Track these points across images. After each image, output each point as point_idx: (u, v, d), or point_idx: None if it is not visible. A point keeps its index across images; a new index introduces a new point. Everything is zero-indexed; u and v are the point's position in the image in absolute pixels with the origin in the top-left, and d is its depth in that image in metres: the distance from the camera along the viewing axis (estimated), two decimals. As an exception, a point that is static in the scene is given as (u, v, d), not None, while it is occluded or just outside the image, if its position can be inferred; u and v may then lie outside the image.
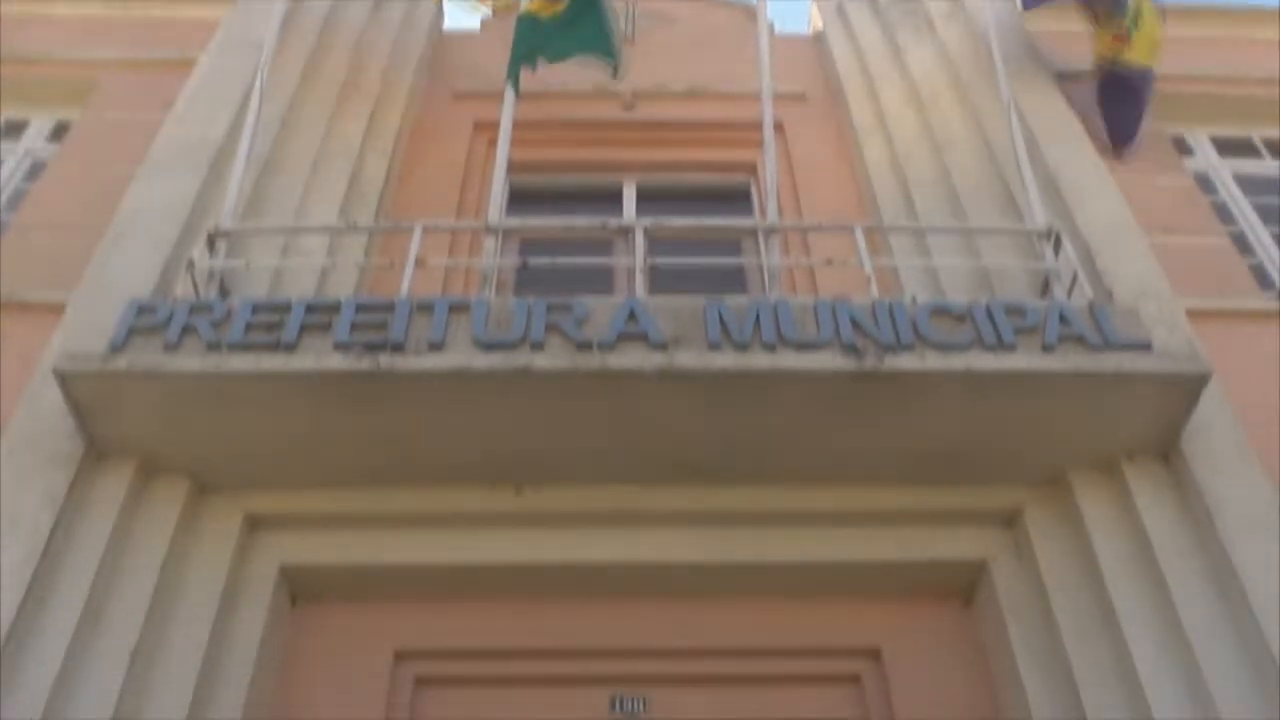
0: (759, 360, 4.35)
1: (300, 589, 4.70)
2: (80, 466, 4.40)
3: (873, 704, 4.56)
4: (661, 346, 4.37)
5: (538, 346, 4.37)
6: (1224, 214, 6.36)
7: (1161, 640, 4.15)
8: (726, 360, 4.34)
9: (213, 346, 4.36)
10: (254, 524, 4.65)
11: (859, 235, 5.14)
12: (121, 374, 4.30)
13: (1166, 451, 4.56)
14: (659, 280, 5.22)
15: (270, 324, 4.44)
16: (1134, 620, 4.20)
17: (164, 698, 4.09)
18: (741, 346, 4.39)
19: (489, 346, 4.36)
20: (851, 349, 4.36)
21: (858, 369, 4.32)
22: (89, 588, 4.16)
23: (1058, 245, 5.07)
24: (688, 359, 4.34)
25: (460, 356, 4.33)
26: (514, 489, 4.69)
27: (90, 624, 4.13)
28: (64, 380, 4.32)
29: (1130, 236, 5.33)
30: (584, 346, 4.37)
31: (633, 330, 4.43)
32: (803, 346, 4.39)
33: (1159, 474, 4.54)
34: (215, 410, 4.40)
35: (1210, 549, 4.26)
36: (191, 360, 4.32)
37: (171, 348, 4.35)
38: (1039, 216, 5.21)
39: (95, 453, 4.48)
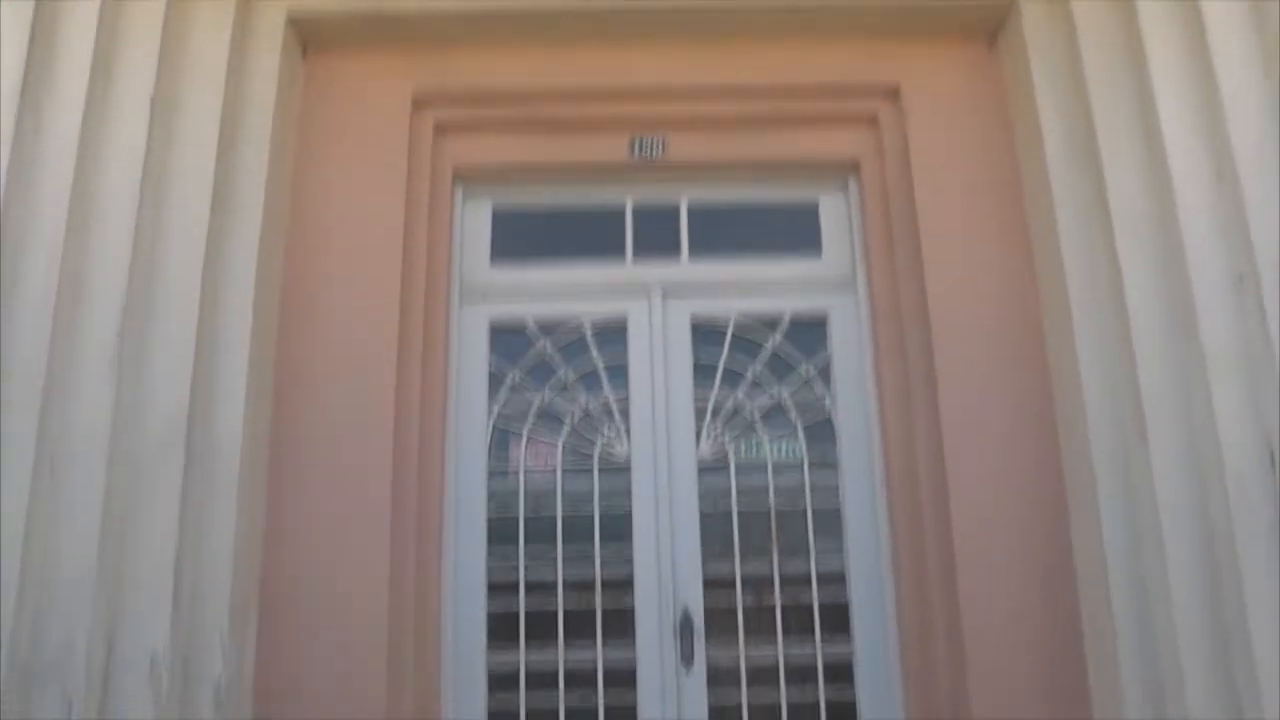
0: None
1: (310, 39, 4.61)
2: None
3: (888, 143, 4.59)
4: None
5: None
6: None
7: (1188, 95, 4.02)
8: None
9: None
10: (261, -31, 4.49)
11: None
12: None
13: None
14: None
15: None
16: (1164, 73, 4.04)
17: (188, 155, 4.18)
18: None
19: None
20: None
21: None
22: (94, 38, 4.13)
23: None
24: None
25: None
26: (531, -77, 4.45)
27: (102, 75, 4.15)
28: None
29: None
30: None
31: None
32: None
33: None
34: None
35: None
36: None
37: None
38: None
39: None
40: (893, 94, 4.61)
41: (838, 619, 4.32)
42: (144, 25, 4.20)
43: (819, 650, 4.30)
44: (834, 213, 4.76)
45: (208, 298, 4.05)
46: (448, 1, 4.51)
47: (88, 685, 3.59)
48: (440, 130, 4.66)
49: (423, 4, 4.51)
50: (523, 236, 4.75)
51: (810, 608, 4.34)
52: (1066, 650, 3.97)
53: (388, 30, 4.59)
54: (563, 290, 4.68)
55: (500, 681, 4.29)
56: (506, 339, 4.64)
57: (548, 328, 4.66)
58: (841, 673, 4.28)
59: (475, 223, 4.76)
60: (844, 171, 4.73)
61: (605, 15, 4.53)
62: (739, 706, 4.24)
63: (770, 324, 4.64)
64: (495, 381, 4.58)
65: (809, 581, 4.36)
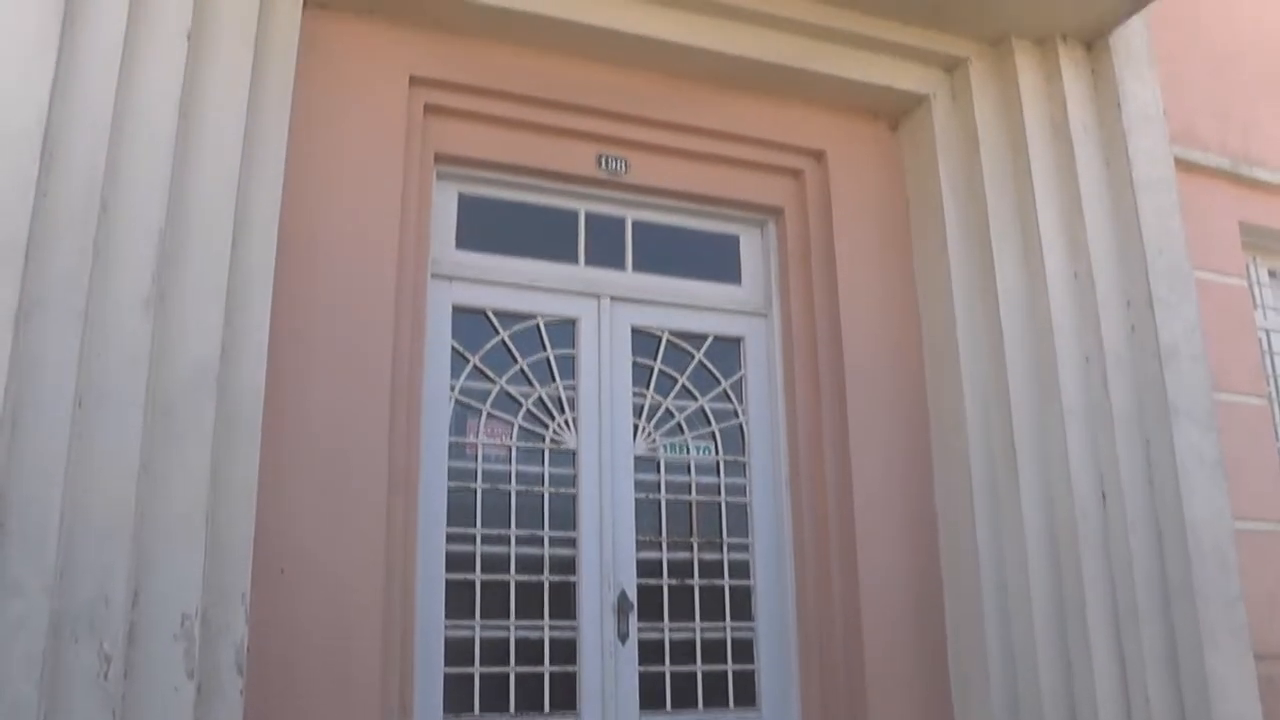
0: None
1: (316, -8, 4.55)
2: None
3: (811, 196, 5.36)
4: None
5: None
6: None
7: (1058, 194, 5.19)
8: None
9: None
10: (280, -84, 4.36)
11: None
12: None
13: (1092, 41, 5.38)
14: None
15: None
16: (1042, 173, 5.19)
17: (218, 89, 4.05)
18: None
19: None
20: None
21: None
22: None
23: None
24: None
25: None
26: (546, -59, 4.70)
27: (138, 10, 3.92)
28: None
29: None
30: None
31: None
32: None
33: (1081, 58, 5.37)
34: None
35: (1112, 130, 5.24)
36: None
37: None
38: None
39: None
40: (818, 155, 5.38)
41: (745, 602, 4.99)
42: None
43: (729, 629, 4.94)
44: (752, 248, 5.43)
45: (237, 241, 3.99)
46: (457, -13, 4.66)
47: (126, 640, 3.46)
48: (428, 112, 4.75)
49: (435, -16, 4.63)
50: (487, 226, 4.95)
51: (722, 591, 4.97)
52: (935, 633, 4.95)
53: (396, 3, 4.63)
54: (520, 282, 4.94)
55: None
56: (467, 321, 4.82)
57: (506, 319, 4.90)
58: (745, 649, 4.95)
59: (444, 206, 4.88)
60: (767, 214, 5.42)
61: (596, 33, 4.88)
62: (663, 676, 4.78)
63: (697, 340, 5.21)
64: (456, 360, 4.76)
65: (722, 568, 4.99)
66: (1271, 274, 6.45)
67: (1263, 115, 6.32)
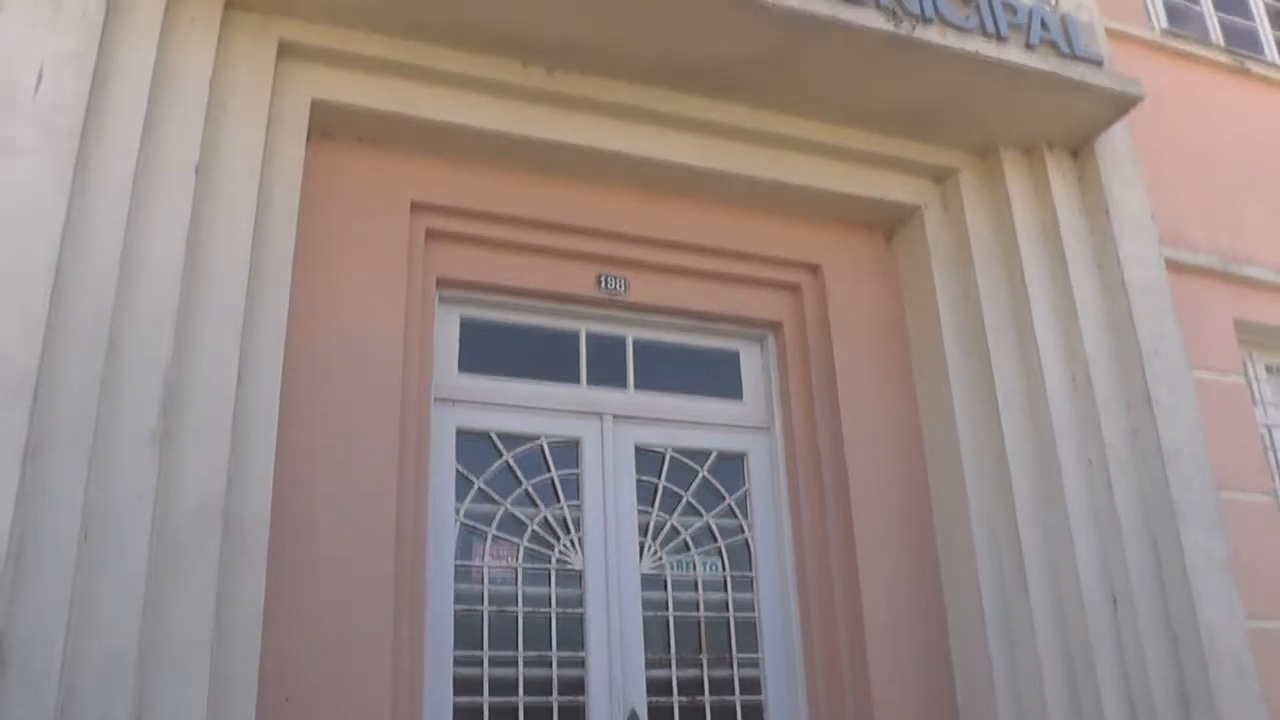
0: (818, 5, 4.67)
1: (320, 125, 4.65)
2: (117, -45, 4.06)
3: (810, 310, 5.43)
4: (737, -29, 4.60)
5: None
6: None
7: (1052, 300, 5.26)
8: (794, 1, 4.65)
9: None
10: (285, 51, 4.49)
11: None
12: None
13: (1078, 148, 5.51)
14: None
15: None
16: (1035, 279, 5.27)
17: (224, 227, 4.13)
18: (799, -14, 4.70)
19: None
20: (890, 13, 4.81)
21: (893, 32, 4.78)
22: (146, 92, 4.02)
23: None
24: (762, -11, 4.60)
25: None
26: (546, 69, 4.83)
27: (150, 136, 4.02)
28: None
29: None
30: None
31: (710, -54, 4.60)
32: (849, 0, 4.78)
33: (1068, 166, 5.51)
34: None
35: (1102, 234, 5.34)
36: None
37: None
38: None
39: (126, -57, 4.11)
40: (814, 268, 5.46)
41: (757, 718, 4.92)
42: (191, 84, 4.19)
43: (741, 746, 4.88)
44: (752, 363, 5.48)
45: (243, 373, 4.03)
46: (457, 115, 4.79)
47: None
48: (430, 237, 4.85)
49: (436, 113, 4.76)
50: (488, 349, 5.00)
51: (734, 707, 4.90)
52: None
53: (399, 131, 4.77)
54: (523, 404, 4.98)
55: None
56: (471, 444, 4.84)
57: (510, 441, 4.93)
58: (759, 765, 4.89)
59: (447, 330, 4.94)
60: (766, 328, 5.48)
61: (593, 156, 5.02)
62: (676, 800, 4.71)
63: (700, 456, 5.22)
64: (461, 483, 4.77)
65: (732, 684, 4.93)
66: (1269, 370, 6.48)
67: (1248, 213, 6.41)
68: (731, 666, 4.96)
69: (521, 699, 4.58)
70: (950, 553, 5.08)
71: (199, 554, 3.72)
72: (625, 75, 4.91)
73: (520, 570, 4.76)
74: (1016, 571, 4.86)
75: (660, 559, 4.98)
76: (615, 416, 5.09)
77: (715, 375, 5.40)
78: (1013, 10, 5.15)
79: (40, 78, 3.79)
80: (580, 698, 4.65)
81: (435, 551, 4.57)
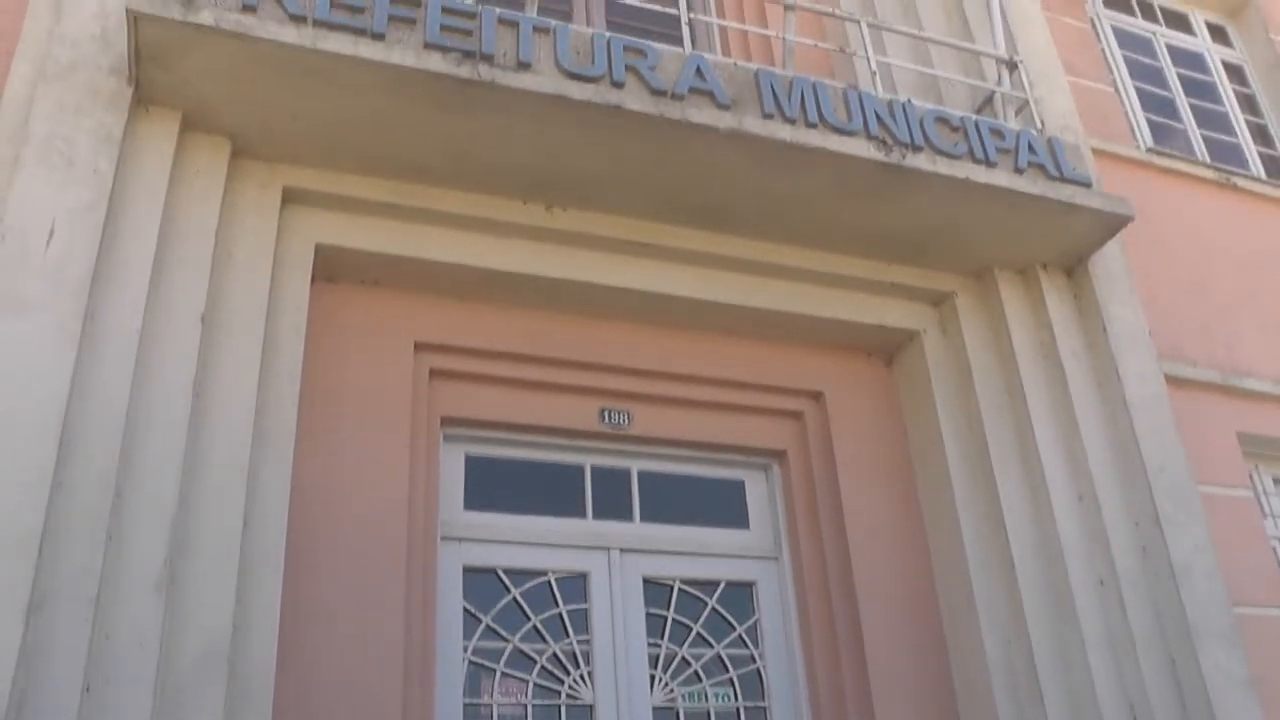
0: (811, 137, 4.80)
1: (324, 269, 4.74)
2: (130, 111, 4.18)
3: (813, 437, 5.45)
4: (727, 107, 4.72)
5: (619, 85, 4.58)
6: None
7: (1054, 418, 5.27)
8: (786, 132, 4.76)
9: (296, 19, 4.20)
10: (288, 197, 4.60)
11: (864, 29, 5.57)
12: (205, 29, 4.05)
13: (1072, 268, 5.58)
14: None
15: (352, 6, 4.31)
16: (1036, 399, 5.29)
17: (230, 374, 4.16)
18: (790, 120, 4.82)
19: (574, 75, 4.52)
20: (881, 142, 4.93)
21: (885, 160, 4.89)
22: (154, 243, 4.09)
23: (1012, 69, 5.77)
24: (753, 124, 4.71)
25: (553, 81, 4.46)
26: (545, 206, 4.94)
27: (157, 286, 4.08)
28: (136, 21, 4.00)
29: (1057, 70, 6.13)
30: (659, 93, 4.63)
31: (700, 86, 4.73)
32: (840, 130, 4.89)
33: (1064, 285, 5.58)
34: (281, 79, 4.25)
35: (1100, 352, 5.38)
36: (285, 31, 4.13)
37: (249, 9, 4.15)
38: (1000, 42, 5.84)
39: (139, 97, 4.23)
40: (816, 395, 5.50)
41: None
42: (196, 230, 4.26)
43: None
44: (758, 492, 5.48)
45: (248, 519, 4.02)
46: (458, 255, 4.87)
47: None
48: (434, 376, 4.89)
49: (437, 253, 4.85)
50: (493, 485, 5.01)
51: None
52: None
53: (402, 273, 4.85)
54: (530, 539, 4.95)
55: None
56: (478, 581, 4.81)
57: (517, 577, 4.90)
58: None
59: (451, 468, 4.95)
60: (770, 457, 5.49)
61: (595, 292, 5.11)
62: None
63: (709, 587, 5.19)
64: (469, 621, 4.72)
65: (750, 823, 4.83)
66: (1276, 482, 6.46)
67: (1244, 326, 6.46)
68: (748, 803, 4.87)
69: (534, 843, 4.49)
70: (965, 681, 5.00)
71: (203, 703, 3.67)
72: (623, 210, 5.02)
73: (530, 707, 4.69)
74: (1033, 695, 4.79)
75: (672, 691, 4.91)
76: (622, 549, 5.07)
77: (721, 505, 5.39)
78: (1000, 135, 5.26)
79: (52, 233, 3.86)
80: (595, 841, 4.56)
81: (444, 691, 4.51)
